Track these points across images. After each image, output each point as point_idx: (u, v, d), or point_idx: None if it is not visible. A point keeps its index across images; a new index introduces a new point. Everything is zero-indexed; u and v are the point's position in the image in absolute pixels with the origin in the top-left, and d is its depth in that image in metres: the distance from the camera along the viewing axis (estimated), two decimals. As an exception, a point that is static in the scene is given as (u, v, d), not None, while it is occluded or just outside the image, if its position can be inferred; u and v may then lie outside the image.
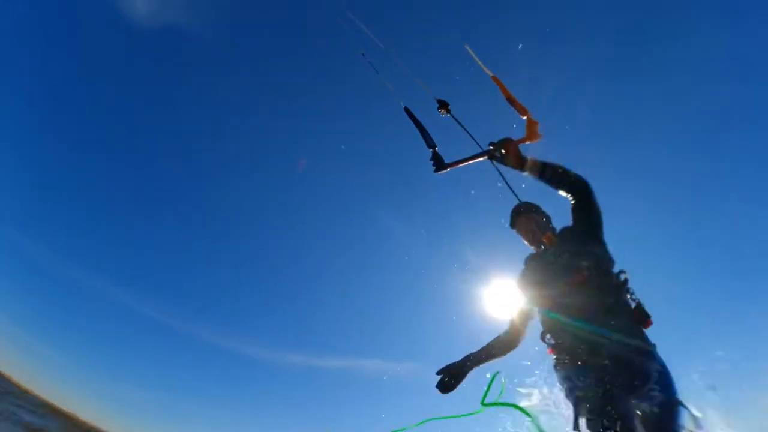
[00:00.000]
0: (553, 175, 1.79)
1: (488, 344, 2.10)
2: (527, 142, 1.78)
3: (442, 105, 2.07)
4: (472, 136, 2.01)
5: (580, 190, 1.81)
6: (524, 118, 1.79)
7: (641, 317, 1.75)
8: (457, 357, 2.05)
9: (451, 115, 2.07)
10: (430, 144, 1.95)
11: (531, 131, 1.76)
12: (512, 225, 2.20)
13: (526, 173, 1.80)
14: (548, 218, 2.14)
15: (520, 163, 1.78)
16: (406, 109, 2.09)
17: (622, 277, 1.85)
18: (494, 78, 1.89)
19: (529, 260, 2.13)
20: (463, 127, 2.04)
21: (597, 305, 1.74)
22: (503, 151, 1.78)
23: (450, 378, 1.97)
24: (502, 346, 2.11)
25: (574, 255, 1.86)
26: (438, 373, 1.99)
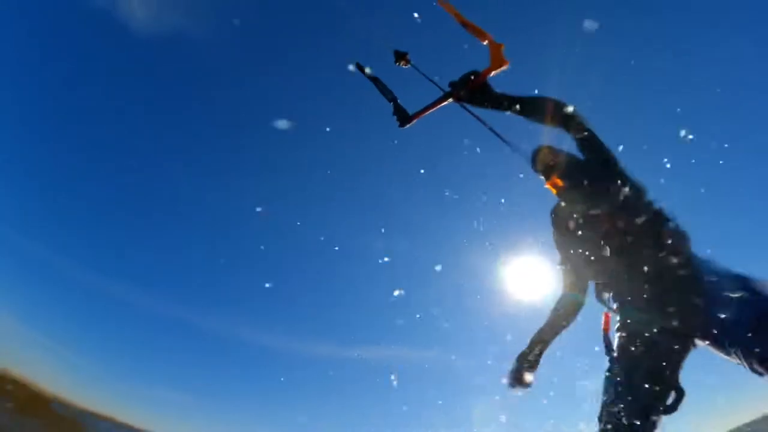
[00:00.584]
0: (534, 106, 1.46)
1: (550, 319, 1.77)
2: (494, 72, 1.44)
3: (400, 57, 1.78)
4: (434, 82, 1.70)
5: (573, 118, 1.47)
6: (485, 43, 1.44)
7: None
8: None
9: (413, 64, 1.77)
10: (390, 97, 1.72)
11: (495, 57, 1.43)
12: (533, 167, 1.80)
13: (504, 110, 1.49)
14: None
15: (489, 98, 1.47)
16: (358, 65, 1.83)
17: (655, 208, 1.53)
18: (441, 2, 1.54)
19: (554, 216, 1.81)
20: (422, 73, 1.72)
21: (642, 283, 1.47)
22: (466, 89, 1.48)
23: (526, 372, 1.68)
24: (565, 313, 1.78)
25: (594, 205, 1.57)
26: (512, 377, 1.70)
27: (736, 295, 1.29)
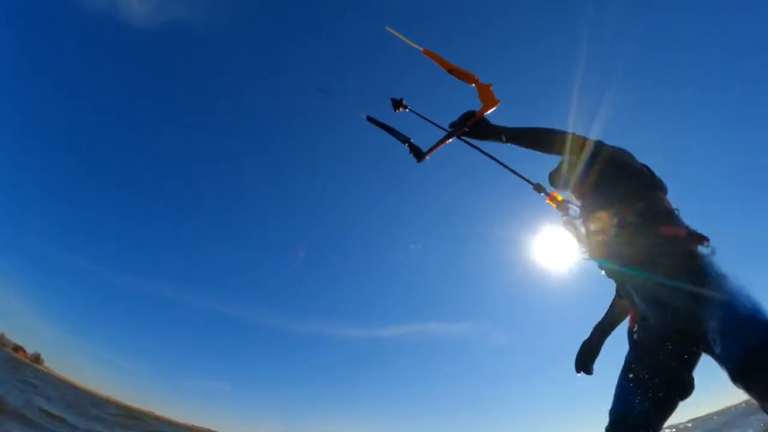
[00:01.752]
0: (530, 136, 1.54)
1: (608, 311, 1.87)
2: (489, 111, 1.49)
3: (397, 104, 1.88)
4: (433, 122, 1.78)
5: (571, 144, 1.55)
6: (473, 85, 1.49)
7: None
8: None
9: (410, 108, 1.87)
10: (403, 139, 1.83)
11: (485, 98, 1.47)
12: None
13: (504, 142, 1.56)
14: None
15: (488, 133, 1.55)
16: (369, 118, 1.96)
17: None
18: (426, 52, 1.61)
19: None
20: (421, 116, 1.81)
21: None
22: (467, 127, 1.55)
23: (589, 358, 1.83)
24: (621, 306, 1.84)
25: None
26: (577, 362, 1.83)
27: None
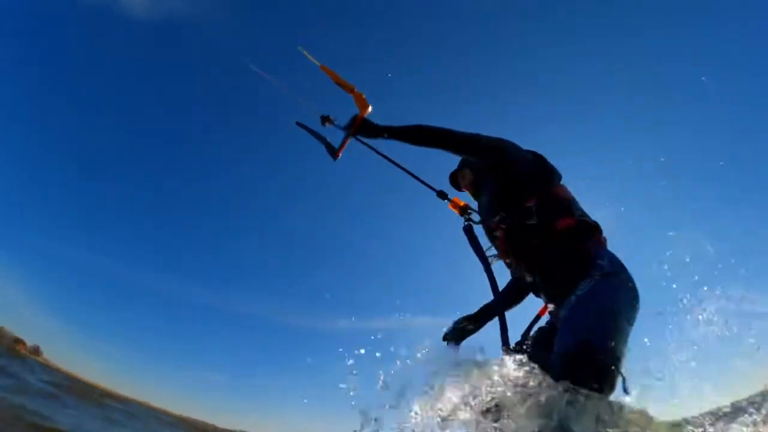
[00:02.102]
0: (410, 133, 1.84)
1: (496, 297, 1.86)
2: (364, 114, 1.92)
3: (325, 119, 2.08)
4: (342, 128, 2.11)
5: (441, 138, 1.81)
6: (351, 95, 1.94)
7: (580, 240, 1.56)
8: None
9: (335, 124, 2.05)
10: (321, 139, 2.06)
11: (360, 103, 1.91)
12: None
13: (393, 139, 1.87)
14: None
15: (371, 132, 1.89)
16: (298, 123, 2.21)
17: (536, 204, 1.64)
18: (323, 67, 2.04)
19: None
20: (338, 126, 2.00)
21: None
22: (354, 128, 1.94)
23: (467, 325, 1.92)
24: (511, 294, 1.94)
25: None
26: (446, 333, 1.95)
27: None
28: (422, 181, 2.10)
